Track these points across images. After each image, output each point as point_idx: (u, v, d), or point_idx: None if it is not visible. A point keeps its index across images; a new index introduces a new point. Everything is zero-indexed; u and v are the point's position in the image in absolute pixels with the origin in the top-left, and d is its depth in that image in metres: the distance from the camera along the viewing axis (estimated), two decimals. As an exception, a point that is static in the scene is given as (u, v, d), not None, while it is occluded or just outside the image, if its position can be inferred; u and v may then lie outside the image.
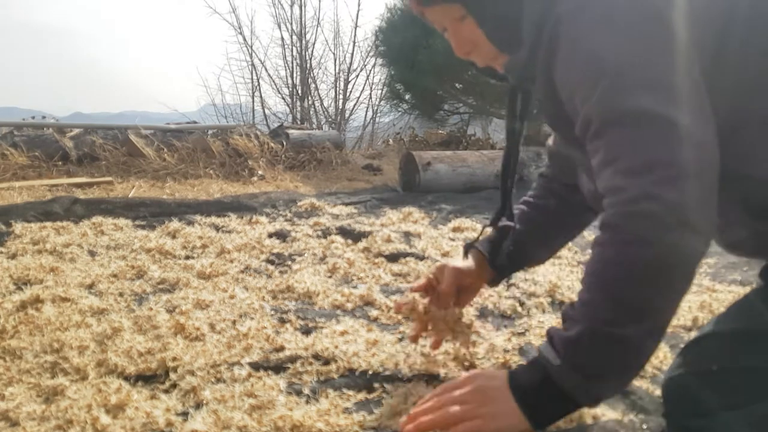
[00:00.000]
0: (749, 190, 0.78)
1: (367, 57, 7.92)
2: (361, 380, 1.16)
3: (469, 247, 1.24)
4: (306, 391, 1.12)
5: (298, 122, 7.18)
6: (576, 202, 1.14)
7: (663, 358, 1.24)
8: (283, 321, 1.45)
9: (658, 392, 1.09)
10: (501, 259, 1.21)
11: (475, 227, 2.52)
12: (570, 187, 1.15)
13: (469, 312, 1.38)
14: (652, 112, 0.71)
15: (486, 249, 1.22)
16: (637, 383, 1.14)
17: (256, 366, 1.19)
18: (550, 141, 1.26)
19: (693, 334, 1.34)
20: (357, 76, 8.10)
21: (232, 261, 1.93)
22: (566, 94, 0.84)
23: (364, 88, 8.14)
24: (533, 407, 0.82)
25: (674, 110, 0.71)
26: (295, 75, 7.84)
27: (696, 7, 0.76)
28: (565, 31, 0.81)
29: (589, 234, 2.24)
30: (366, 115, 8.22)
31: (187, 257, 1.99)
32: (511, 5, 0.91)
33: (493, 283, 1.27)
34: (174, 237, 2.23)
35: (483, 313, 1.52)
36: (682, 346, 0.97)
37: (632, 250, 0.71)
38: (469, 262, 1.22)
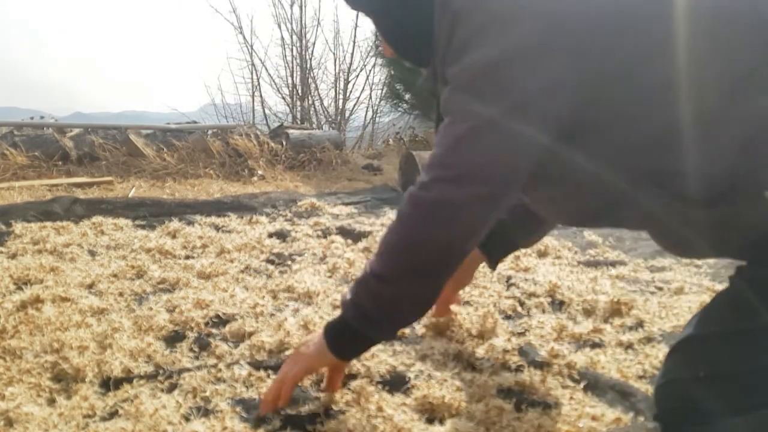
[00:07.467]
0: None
1: (367, 57, 7.88)
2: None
3: None
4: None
5: (298, 122, 7.18)
6: None
7: (663, 359, 1.23)
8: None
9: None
10: (491, 243, 1.28)
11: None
12: None
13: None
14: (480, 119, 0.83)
15: None
16: (636, 384, 1.14)
17: (256, 366, 1.20)
18: None
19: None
20: (357, 76, 8.05)
21: (232, 261, 1.93)
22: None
23: (364, 88, 8.09)
24: (334, 340, 0.98)
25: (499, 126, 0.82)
26: (295, 75, 7.81)
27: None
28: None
29: (589, 234, 2.24)
30: (366, 115, 8.18)
31: (187, 257, 1.99)
32: (409, 22, 0.97)
33: (492, 264, 1.36)
34: (174, 237, 2.23)
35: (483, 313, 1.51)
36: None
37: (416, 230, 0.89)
38: None
